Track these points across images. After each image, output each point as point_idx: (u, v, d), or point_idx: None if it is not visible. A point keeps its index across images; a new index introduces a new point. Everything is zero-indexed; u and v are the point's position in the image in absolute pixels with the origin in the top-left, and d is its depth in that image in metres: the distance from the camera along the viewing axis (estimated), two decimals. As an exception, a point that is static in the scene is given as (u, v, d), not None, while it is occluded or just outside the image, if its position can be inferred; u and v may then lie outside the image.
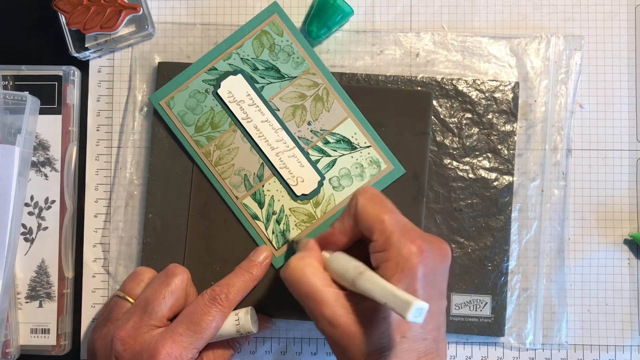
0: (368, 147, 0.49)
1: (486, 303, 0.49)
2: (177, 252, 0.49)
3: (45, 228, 0.52)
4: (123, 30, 0.52)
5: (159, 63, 0.51)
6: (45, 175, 0.52)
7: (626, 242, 0.51)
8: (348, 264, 0.39)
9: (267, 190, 0.49)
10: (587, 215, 0.51)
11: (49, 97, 0.52)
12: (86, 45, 0.52)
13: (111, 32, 0.51)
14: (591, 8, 0.52)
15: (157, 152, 0.50)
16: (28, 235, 0.52)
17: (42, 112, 0.52)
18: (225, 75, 0.49)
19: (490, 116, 0.50)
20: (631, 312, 0.50)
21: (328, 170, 0.49)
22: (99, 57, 0.53)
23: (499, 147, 0.50)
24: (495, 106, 0.50)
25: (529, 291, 0.50)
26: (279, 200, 0.49)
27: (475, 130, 0.50)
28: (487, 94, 0.50)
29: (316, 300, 0.39)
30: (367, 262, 0.39)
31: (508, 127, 0.50)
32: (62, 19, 0.51)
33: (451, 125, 0.50)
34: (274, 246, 0.49)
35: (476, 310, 0.49)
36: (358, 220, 0.40)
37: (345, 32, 0.52)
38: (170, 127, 0.49)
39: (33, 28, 0.53)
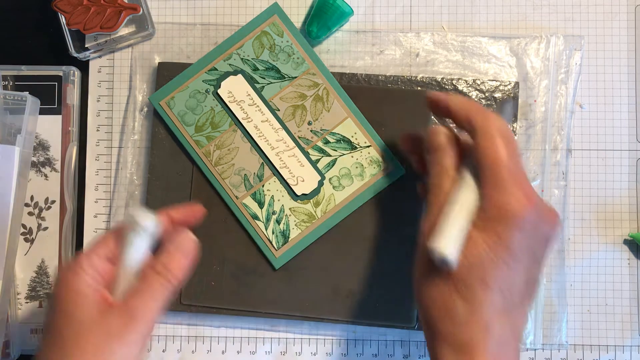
0: (368, 146, 0.49)
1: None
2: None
3: (45, 228, 0.52)
4: (123, 31, 0.52)
5: (159, 63, 0.51)
6: (45, 176, 0.52)
7: (626, 242, 0.51)
8: None
9: (267, 190, 0.49)
10: (587, 215, 0.51)
11: (49, 97, 0.52)
12: (86, 46, 0.52)
13: (111, 33, 0.51)
14: (591, 8, 0.52)
15: (157, 152, 0.50)
16: (28, 236, 0.52)
17: (42, 112, 0.52)
18: (225, 75, 0.49)
19: (490, 116, 0.50)
20: (631, 312, 0.50)
21: (328, 170, 0.49)
22: (99, 57, 0.53)
23: (499, 147, 0.50)
24: (495, 106, 0.50)
25: (529, 291, 0.50)
26: (279, 200, 0.49)
27: (475, 130, 0.50)
28: (487, 94, 0.50)
29: None
30: None
31: (508, 127, 0.50)
32: (62, 19, 0.51)
33: (451, 125, 0.50)
34: (273, 246, 0.49)
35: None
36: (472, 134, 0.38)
37: (345, 32, 0.52)
38: (170, 127, 0.49)
39: (33, 28, 0.53)
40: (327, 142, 0.49)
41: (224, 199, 0.49)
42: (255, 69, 0.49)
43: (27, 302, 0.51)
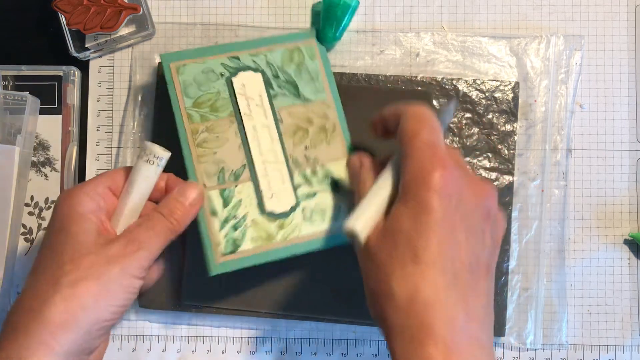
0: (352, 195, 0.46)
1: (486, 303, 0.49)
2: (177, 250, 0.49)
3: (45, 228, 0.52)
4: (123, 30, 0.52)
5: (159, 63, 0.51)
6: (45, 175, 0.52)
7: (626, 242, 0.51)
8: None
9: (239, 192, 0.46)
10: (587, 215, 0.51)
11: (49, 97, 0.52)
12: (86, 45, 0.52)
13: (111, 32, 0.51)
14: (591, 8, 0.52)
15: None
16: (28, 235, 0.52)
17: (42, 112, 0.52)
18: (245, 68, 0.48)
19: (490, 116, 0.50)
20: (631, 312, 0.50)
21: (306, 200, 0.46)
22: (99, 57, 0.53)
23: (499, 147, 0.50)
24: (495, 106, 0.50)
25: (530, 291, 0.50)
26: (245, 207, 0.46)
27: (475, 130, 0.50)
28: (487, 94, 0.50)
29: None
30: None
31: (508, 127, 0.50)
32: (62, 19, 0.51)
33: (451, 125, 0.50)
34: (220, 250, 0.45)
35: (476, 310, 0.49)
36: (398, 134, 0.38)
37: (345, 32, 0.52)
38: (169, 91, 0.47)
39: (33, 28, 0.53)
40: (314, 172, 0.47)
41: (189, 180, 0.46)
42: (276, 76, 0.48)
43: (27, 302, 0.51)
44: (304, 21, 0.52)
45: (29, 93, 0.51)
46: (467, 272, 0.34)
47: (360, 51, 0.52)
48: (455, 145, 0.50)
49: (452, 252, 0.34)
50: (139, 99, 0.52)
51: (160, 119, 0.51)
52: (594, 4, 0.52)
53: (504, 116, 0.50)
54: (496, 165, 0.50)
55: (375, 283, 0.35)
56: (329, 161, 0.47)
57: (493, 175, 0.50)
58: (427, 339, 0.32)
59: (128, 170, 0.42)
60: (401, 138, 0.37)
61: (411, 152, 0.36)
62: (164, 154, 0.41)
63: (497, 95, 0.50)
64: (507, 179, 0.50)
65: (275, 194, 0.46)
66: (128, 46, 0.53)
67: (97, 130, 0.53)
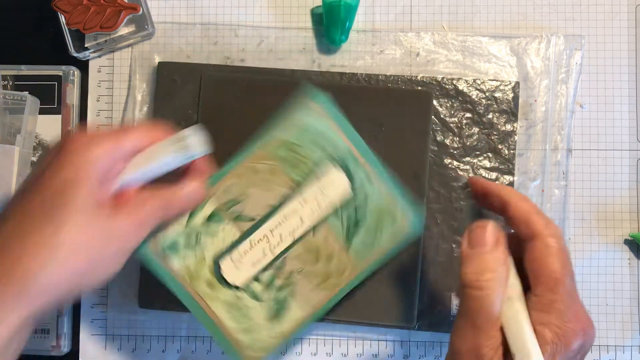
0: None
1: (486, 303, 0.49)
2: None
3: (45, 228, 0.52)
4: (123, 30, 0.52)
5: (159, 63, 0.51)
6: (45, 175, 0.52)
7: (626, 242, 0.51)
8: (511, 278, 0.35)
9: (222, 229, 0.44)
10: (587, 215, 0.51)
11: (49, 97, 0.52)
12: (86, 45, 0.52)
13: (111, 32, 0.51)
14: (591, 8, 0.52)
15: None
16: (28, 236, 0.52)
17: (42, 112, 0.52)
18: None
19: (490, 116, 0.50)
20: (631, 312, 0.50)
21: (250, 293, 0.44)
22: (99, 57, 0.53)
23: (500, 146, 0.50)
24: (495, 106, 0.50)
25: (530, 291, 0.50)
26: (212, 245, 0.44)
27: (475, 130, 0.50)
28: (487, 94, 0.50)
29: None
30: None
31: (508, 127, 0.50)
32: (62, 19, 0.51)
33: (451, 125, 0.50)
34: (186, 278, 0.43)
35: (476, 310, 0.49)
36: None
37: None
38: None
39: (33, 28, 0.53)
40: (280, 288, 0.44)
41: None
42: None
43: (26, 302, 0.51)
44: (304, 21, 0.52)
45: (29, 93, 0.51)
46: None
47: (360, 51, 0.52)
48: (456, 145, 0.50)
49: None
50: (139, 99, 0.52)
51: (160, 118, 0.51)
52: (594, 3, 0.52)
53: (504, 116, 0.50)
54: (496, 165, 0.50)
55: None
56: (296, 296, 0.44)
57: (493, 175, 0.50)
58: None
59: (154, 136, 0.39)
60: (539, 272, 0.35)
61: (554, 297, 0.34)
62: (197, 151, 0.39)
63: (497, 95, 0.50)
64: (507, 179, 0.50)
65: (245, 262, 0.44)
66: (128, 46, 0.53)
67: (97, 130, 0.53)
